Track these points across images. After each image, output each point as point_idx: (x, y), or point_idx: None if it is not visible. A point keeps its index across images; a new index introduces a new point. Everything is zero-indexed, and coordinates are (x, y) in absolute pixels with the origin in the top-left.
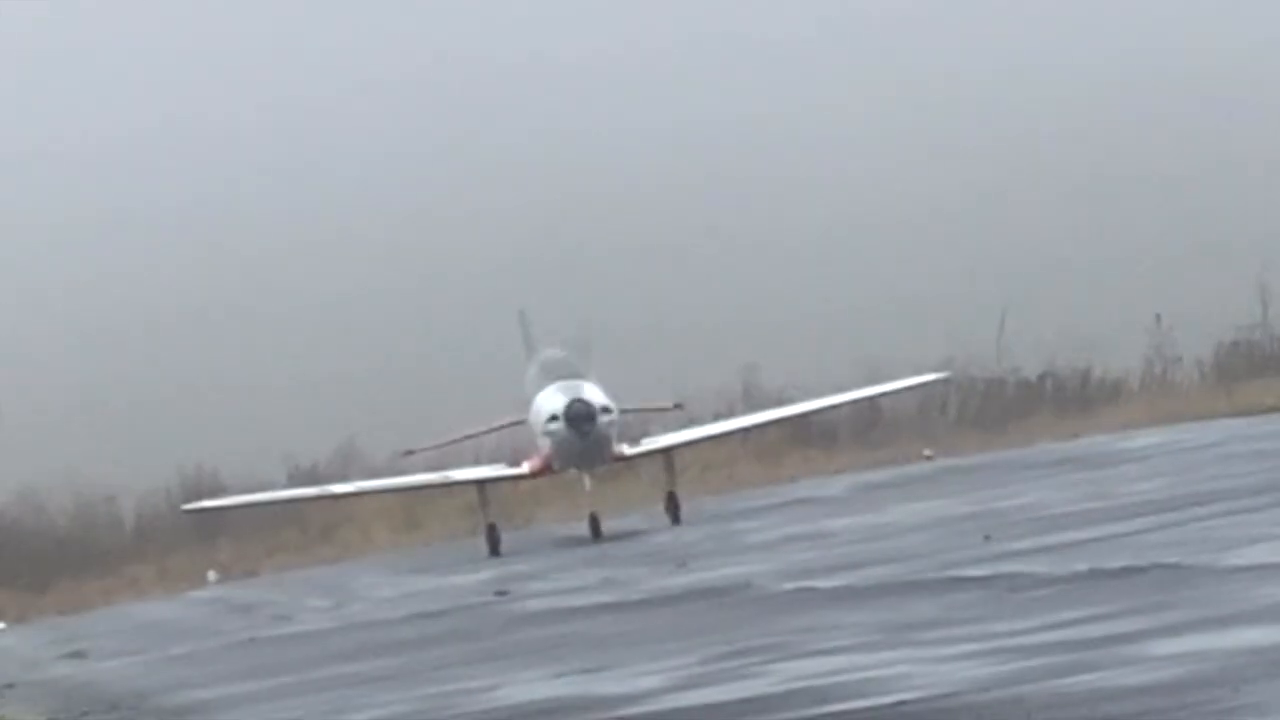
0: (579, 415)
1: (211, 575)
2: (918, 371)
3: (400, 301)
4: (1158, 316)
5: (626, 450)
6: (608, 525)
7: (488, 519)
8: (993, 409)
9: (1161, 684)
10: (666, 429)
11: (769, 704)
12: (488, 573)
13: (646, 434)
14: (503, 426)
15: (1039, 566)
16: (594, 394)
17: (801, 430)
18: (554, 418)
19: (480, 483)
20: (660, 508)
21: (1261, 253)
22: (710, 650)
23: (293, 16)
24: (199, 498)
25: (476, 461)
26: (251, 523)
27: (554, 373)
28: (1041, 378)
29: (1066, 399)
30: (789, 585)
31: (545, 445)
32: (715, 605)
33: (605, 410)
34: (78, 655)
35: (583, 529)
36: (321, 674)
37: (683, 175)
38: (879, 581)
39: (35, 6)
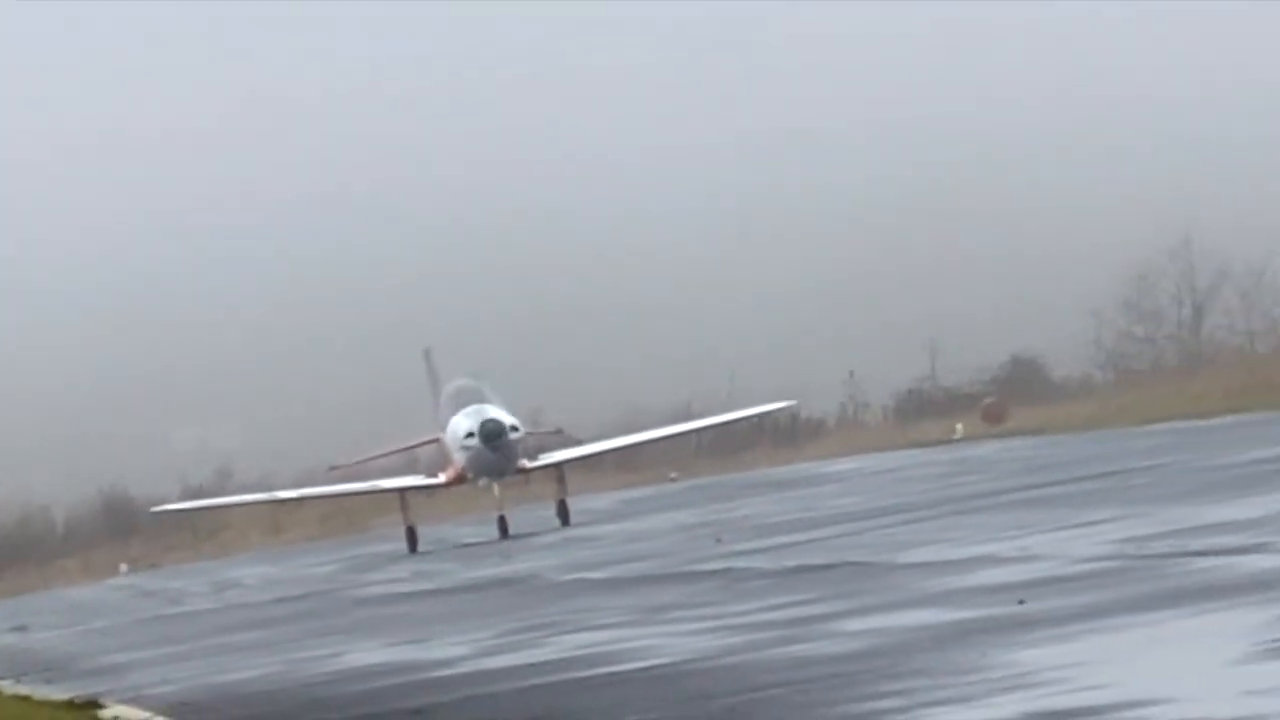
0: (492, 432)
1: (123, 567)
2: (665, 415)
3: (269, 352)
4: (851, 372)
5: (527, 463)
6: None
7: (408, 521)
8: (724, 441)
9: (851, 653)
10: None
11: (551, 668)
12: (333, 566)
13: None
14: (418, 445)
15: (759, 563)
16: (503, 415)
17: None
18: (470, 434)
19: (403, 490)
20: (552, 512)
21: (931, 321)
22: (506, 626)
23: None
24: (113, 509)
25: (300, 484)
26: (154, 527)
27: (468, 398)
28: (762, 418)
29: (780, 434)
30: (568, 576)
31: (461, 459)
32: (511, 592)
33: (514, 429)
34: (20, 629)
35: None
36: (208, 643)
37: (504, 251)
38: (636, 574)
39: None
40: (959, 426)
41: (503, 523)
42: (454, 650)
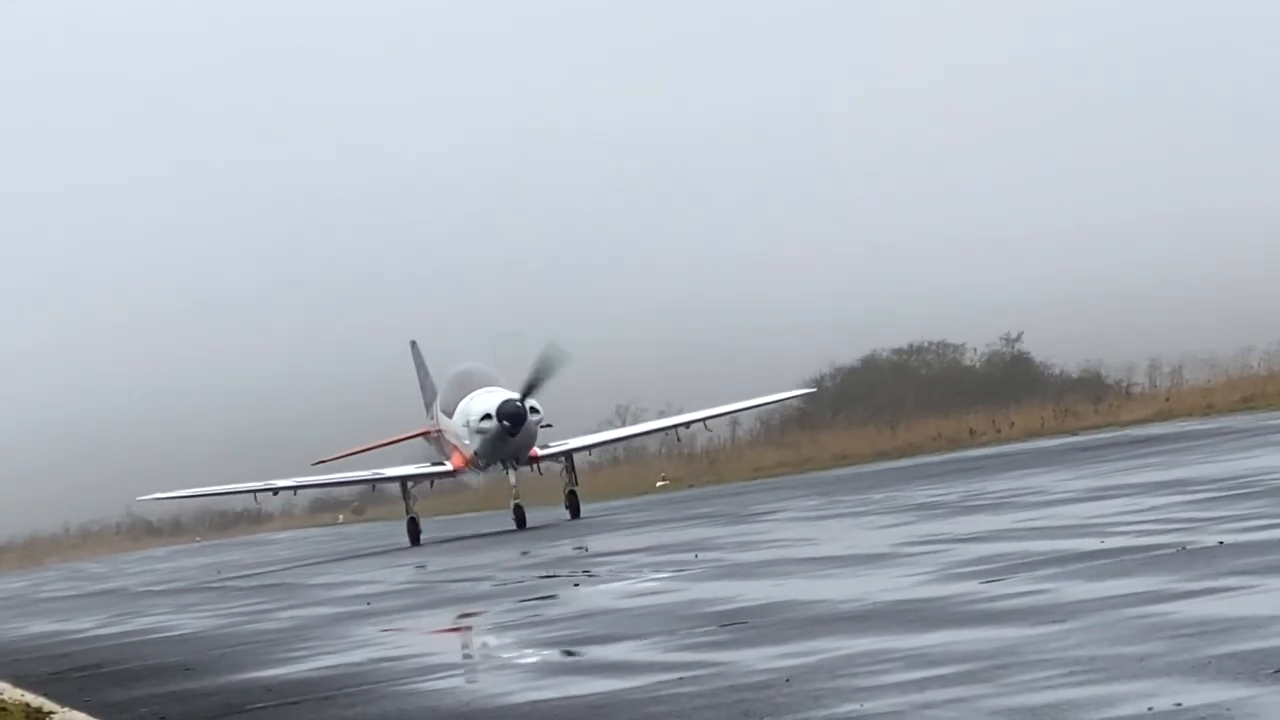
0: (512, 414)
1: None
2: None
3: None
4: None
5: (539, 450)
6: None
7: (409, 513)
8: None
9: (282, 628)
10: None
11: (133, 634)
12: (24, 583)
13: None
14: (414, 436)
15: (239, 584)
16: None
17: None
18: (487, 416)
19: (404, 479)
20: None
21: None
22: (108, 613)
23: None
24: None
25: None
26: (8, 556)
27: (478, 380)
28: None
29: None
30: (142, 589)
31: (473, 443)
32: (111, 597)
33: (534, 410)
34: None
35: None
36: (44, 616)
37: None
38: (176, 588)
39: None
40: (340, 517)
41: (519, 512)
42: (83, 624)
